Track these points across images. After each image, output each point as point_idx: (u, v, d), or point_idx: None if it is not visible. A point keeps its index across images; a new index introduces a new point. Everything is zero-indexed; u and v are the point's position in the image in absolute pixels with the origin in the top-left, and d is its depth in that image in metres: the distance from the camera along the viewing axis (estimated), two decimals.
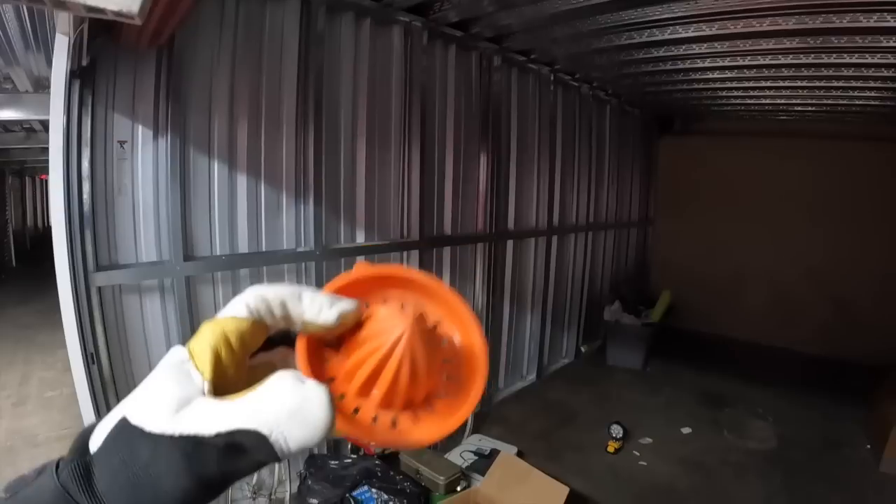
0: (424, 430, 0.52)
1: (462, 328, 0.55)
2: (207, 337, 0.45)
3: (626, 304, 6.94)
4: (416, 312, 0.49)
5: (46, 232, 17.57)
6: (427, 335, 0.49)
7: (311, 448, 3.84)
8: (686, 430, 5.03)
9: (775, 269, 7.41)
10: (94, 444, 0.42)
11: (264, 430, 0.41)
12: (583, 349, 7.11)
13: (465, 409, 0.53)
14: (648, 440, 4.81)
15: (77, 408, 2.85)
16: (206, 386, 0.43)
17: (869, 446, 4.59)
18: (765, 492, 4.07)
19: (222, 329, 0.46)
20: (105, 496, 0.39)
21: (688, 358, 6.91)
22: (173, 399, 0.41)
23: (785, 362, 6.80)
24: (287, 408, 0.42)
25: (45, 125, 6.95)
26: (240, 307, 0.48)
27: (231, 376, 0.46)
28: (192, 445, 0.40)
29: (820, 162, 6.78)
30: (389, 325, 0.48)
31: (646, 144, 8.18)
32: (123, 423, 0.41)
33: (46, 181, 19.07)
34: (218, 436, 0.40)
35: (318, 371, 0.50)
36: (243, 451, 0.41)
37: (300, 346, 0.50)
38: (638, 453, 4.61)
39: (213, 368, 0.44)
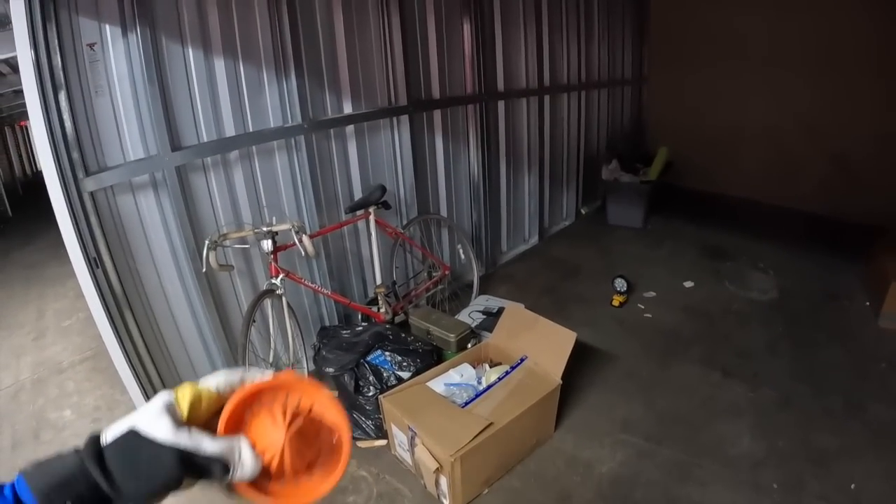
0: (313, 485, 0.77)
1: (330, 408, 0.80)
2: (188, 392, 0.71)
3: (624, 162, 6.90)
4: (289, 417, 0.74)
5: (36, 177, 17.65)
6: (301, 429, 0.75)
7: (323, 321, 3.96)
8: (688, 284, 5.10)
9: (773, 125, 7.23)
10: (105, 438, 0.65)
11: (230, 463, 0.69)
12: (583, 210, 7.16)
13: (341, 467, 0.79)
14: (652, 293, 4.89)
15: (94, 329, 2.87)
16: (185, 420, 0.69)
17: (868, 303, 4.62)
18: (767, 337, 4.17)
19: (199, 392, 0.72)
20: (112, 474, 0.62)
21: (687, 214, 6.95)
22: (170, 423, 0.66)
23: (785, 219, 6.81)
24: (245, 457, 0.70)
25: (12, 66, 6.69)
26: (211, 383, 0.74)
27: (198, 419, 0.71)
28: (185, 454, 0.65)
29: (818, 15, 6.46)
30: (270, 440, 0.73)
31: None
32: (133, 432, 0.64)
33: (26, 128, 18.85)
34: (204, 455, 0.66)
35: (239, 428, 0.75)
36: (210, 469, 0.67)
37: (226, 410, 0.73)
38: (642, 306, 4.70)
39: (188, 412, 0.70)
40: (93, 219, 2.77)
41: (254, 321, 3.08)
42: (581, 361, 3.65)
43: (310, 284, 3.61)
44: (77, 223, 2.67)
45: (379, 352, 3.33)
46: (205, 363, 3.53)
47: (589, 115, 7.05)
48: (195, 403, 0.70)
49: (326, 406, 0.80)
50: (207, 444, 0.66)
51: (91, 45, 2.76)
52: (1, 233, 10.80)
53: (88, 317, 2.88)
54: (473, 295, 4.76)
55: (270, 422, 0.73)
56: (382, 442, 3.16)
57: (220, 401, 0.74)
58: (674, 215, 6.91)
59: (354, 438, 3.20)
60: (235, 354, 3.30)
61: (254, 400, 0.76)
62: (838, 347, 4.01)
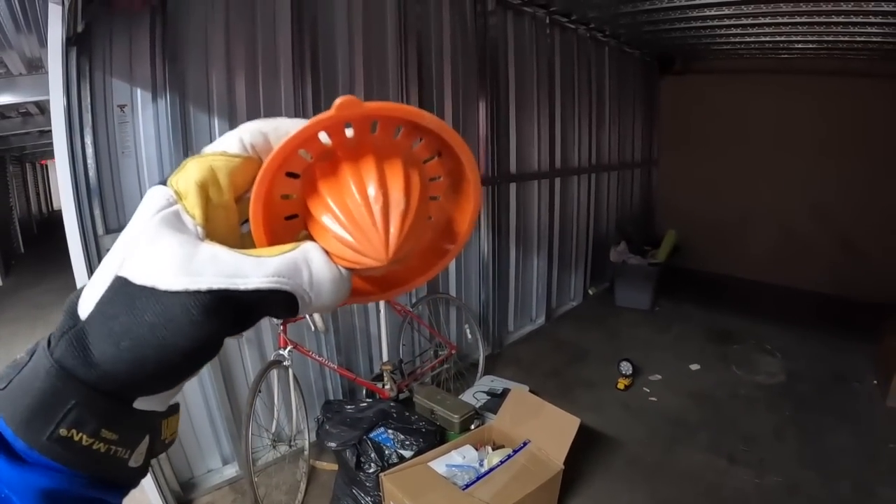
0: (418, 270, 0.49)
1: (455, 154, 0.46)
2: (193, 173, 0.40)
3: (632, 244, 6.96)
4: (402, 217, 0.40)
5: (52, 216, 17.87)
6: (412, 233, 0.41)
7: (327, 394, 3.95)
8: (695, 367, 5.09)
9: (781, 207, 7.37)
10: (84, 310, 0.38)
11: (297, 293, 0.39)
12: (590, 291, 7.18)
13: (455, 248, 0.49)
14: (658, 376, 4.88)
15: None
16: (201, 231, 0.40)
17: (876, 382, 4.62)
18: (774, 422, 4.13)
19: (210, 164, 0.41)
20: (105, 365, 0.36)
21: (695, 297, 6.96)
22: (181, 250, 0.37)
23: (792, 300, 6.84)
24: (320, 278, 0.40)
25: (41, 108, 6.91)
26: (231, 141, 0.43)
27: (220, 221, 0.42)
28: (218, 300, 0.36)
29: (824, 99, 6.69)
30: (357, 242, 0.40)
31: (647, 85, 8.10)
32: (122, 284, 0.37)
33: (47, 166, 19.28)
34: (256, 292, 0.38)
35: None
36: (265, 309, 0.40)
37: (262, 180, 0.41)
38: (648, 389, 4.68)
39: (203, 209, 0.40)
40: None
41: (259, 391, 3.09)
42: (585, 446, 3.62)
43: (317, 357, 3.63)
44: None
45: (382, 429, 3.32)
46: (207, 428, 3.53)
47: (599, 197, 7.16)
48: (210, 190, 0.41)
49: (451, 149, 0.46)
50: (250, 274, 0.38)
51: (122, 107, 2.90)
52: (12, 269, 10.88)
53: None
54: (479, 375, 4.75)
55: (363, 210, 0.40)
56: None
57: (253, 168, 0.42)
58: (682, 298, 6.92)
59: None
60: (238, 423, 3.31)
61: (319, 152, 0.42)
62: (847, 430, 3.99)
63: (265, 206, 0.41)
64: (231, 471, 3.60)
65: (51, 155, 2.67)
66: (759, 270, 7.58)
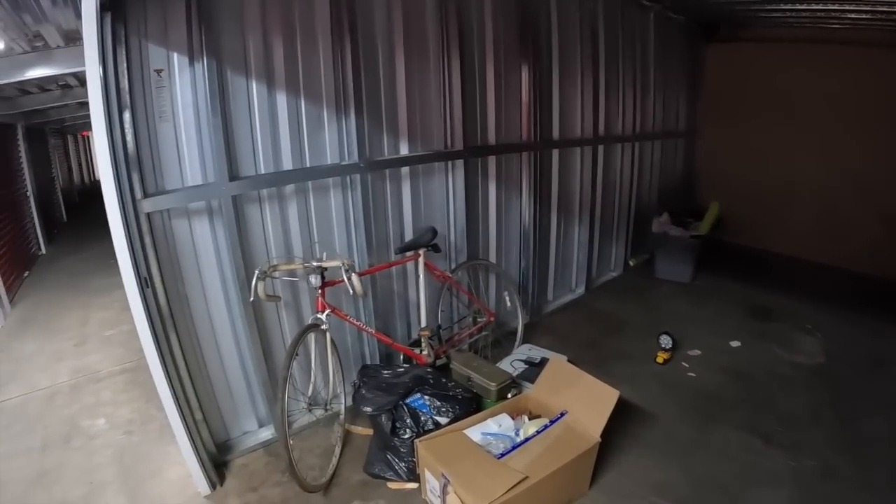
0: None
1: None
2: None
3: (674, 216, 6.88)
4: None
5: (93, 186, 18.29)
6: None
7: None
8: (735, 343, 5.01)
9: (823, 182, 7.14)
10: None
11: None
12: (631, 262, 7.11)
13: None
14: (697, 352, 4.82)
15: (137, 342, 2.92)
16: None
17: None
18: (811, 404, 4.06)
19: None
20: None
21: (735, 271, 6.86)
22: None
23: (833, 279, 6.71)
24: None
25: (80, 79, 6.93)
26: None
27: None
28: None
29: (873, 72, 6.42)
30: None
31: (691, 52, 7.87)
32: None
33: (88, 138, 19.63)
34: None
35: None
36: None
37: None
38: (686, 364, 4.63)
39: None
40: (147, 239, 2.86)
41: (296, 354, 3.11)
42: (620, 419, 3.59)
43: (355, 322, 3.64)
44: (131, 242, 2.74)
45: (418, 395, 3.34)
46: (243, 390, 3.59)
47: (642, 166, 7.05)
48: None
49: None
50: None
51: (158, 72, 2.90)
52: (54, 237, 11.20)
53: (132, 329, 2.92)
54: (517, 343, 4.74)
55: None
56: (414, 485, 3.15)
57: None
58: (722, 271, 6.82)
59: (385, 479, 3.21)
60: (275, 386, 3.35)
61: None
62: (885, 417, 3.89)
63: None
64: (266, 433, 3.65)
65: (90, 126, 2.67)
66: (800, 247, 7.41)
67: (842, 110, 6.76)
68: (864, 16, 5.55)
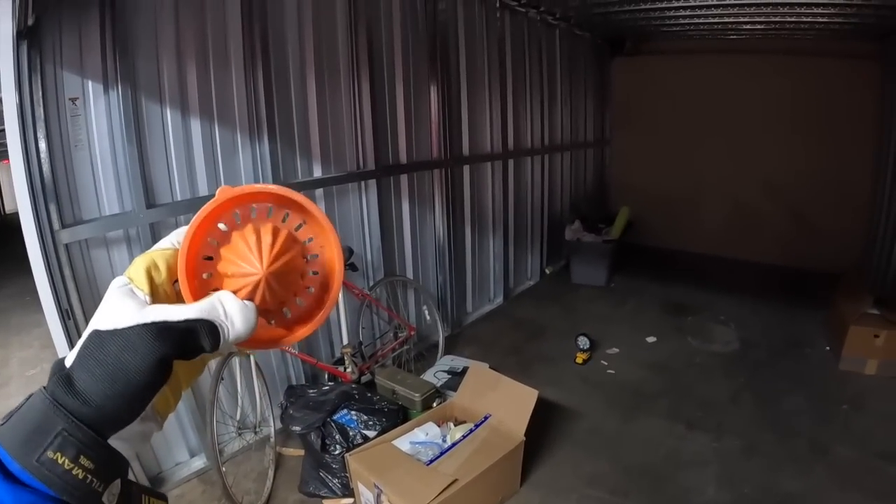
0: (297, 329, 0.64)
1: (328, 243, 0.64)
2: (139, 263, 0.56)
3: (587, 222, 7.08)
4: (271, 244, 0.57)
5: (8, 218, 17.29)
6: (284, 266, 0.58)
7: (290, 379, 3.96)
8: (651, 339, 5.21)
9: (733, 183, 7.54)
10: (69, 360, 0.51)
11: (217, 322, 0.54)
12: (547, 270, 7.26)
13: (322, 313, 0.64)
14: (615, 350, 4.98)
15: None
16: (148, 299, 0.54)
17: (828, 347, 4.79)
18: (730, 388, 4.27)
19: (151, 256, 0.57)
20: (85, 393, 0.48)
21: (650, 272, 7.13)
22: (132, 305, 0.52)
23: (746, 273, 7.06)
24: (231, 311, 0.55)
25: None
26: (165, 243, 0.59)
27: (162, 293, 0.57)
28: (159, 329, 0.50)
29: (773, 77, 6.86)
30: (245, 268, 0.57)
31: (598, 66, 8.20)
32: (94, 333, 0.51)
33: None
34: (184, 321, 0.52)
35: (203, 283, 0.59)
36: (196, 335, 0.53)
37: (181, 262, 0.57)
38: (606, 362, 4.78)
39: (149, 285, 0.55)
40: (66, 270, 2.79)
41: (222, 379, 3.09)
42: (546, 419, 3.70)
43: None
44: (51, 274, 2.69)
45: (345, 411, 3.35)
46: (173, 422, 3.50)
47: (552, 177, 7.25)
48: (153, 272, 0.56)
49: (327, 238, 0.64)
50: (179, 309, 0.53)
51: (73, 100, 2.84)
52: None
53: None
54: (439, 355, 4.80)
55: (245, 249, 0.57)
56: (349, 500, 3.15)
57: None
58: (637, 273, 7.07)
59: (320, 496, 3.21)
60: (203, 412, 3.32)
61: (219, 227, 0.60)
62: (801, 393, 4.13)
63: (188, 274, 0.57)
64: (199, 462, 3.59)
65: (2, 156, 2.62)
66: (711, 245, 7.76)
67: (747, 115, 7.19)
68: (758, 27, 5.89)
